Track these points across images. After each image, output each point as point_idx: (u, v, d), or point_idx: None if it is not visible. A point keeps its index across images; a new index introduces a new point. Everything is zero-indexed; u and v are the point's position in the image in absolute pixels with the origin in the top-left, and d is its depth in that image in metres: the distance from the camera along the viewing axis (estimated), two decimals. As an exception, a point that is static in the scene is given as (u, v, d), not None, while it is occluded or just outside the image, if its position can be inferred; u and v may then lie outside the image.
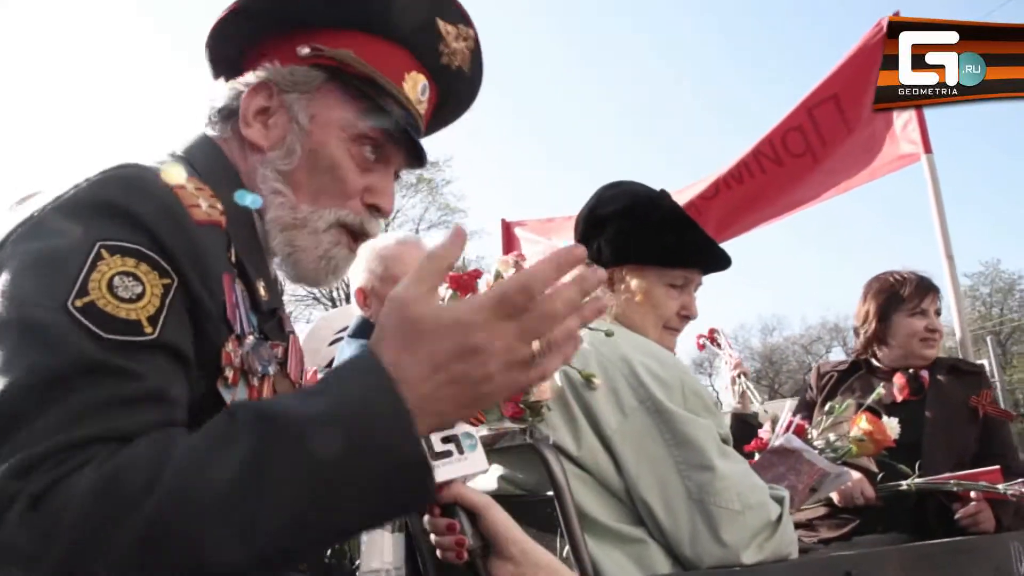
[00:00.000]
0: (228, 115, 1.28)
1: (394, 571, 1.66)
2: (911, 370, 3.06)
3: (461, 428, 1.20)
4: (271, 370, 1.16)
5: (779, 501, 1.77)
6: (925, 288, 3.13)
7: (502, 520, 1.21)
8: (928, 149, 3.86)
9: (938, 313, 3.15)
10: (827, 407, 2.59)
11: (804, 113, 4.42)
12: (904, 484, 2.68)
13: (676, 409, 1.74)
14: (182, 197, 1.05)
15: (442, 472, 1.15)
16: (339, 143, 1.25)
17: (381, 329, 0.89)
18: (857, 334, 3.24)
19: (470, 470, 1.19)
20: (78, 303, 0.90)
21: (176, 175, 1.08)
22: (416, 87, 1.31)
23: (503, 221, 7.14)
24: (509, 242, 7.02)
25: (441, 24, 1.30)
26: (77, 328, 0.89)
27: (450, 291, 1.80)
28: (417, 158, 1.34)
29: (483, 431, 1.71)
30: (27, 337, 0.89)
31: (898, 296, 3.12)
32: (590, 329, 1.86)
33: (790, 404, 3.33)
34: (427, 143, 1.37)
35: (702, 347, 4.46)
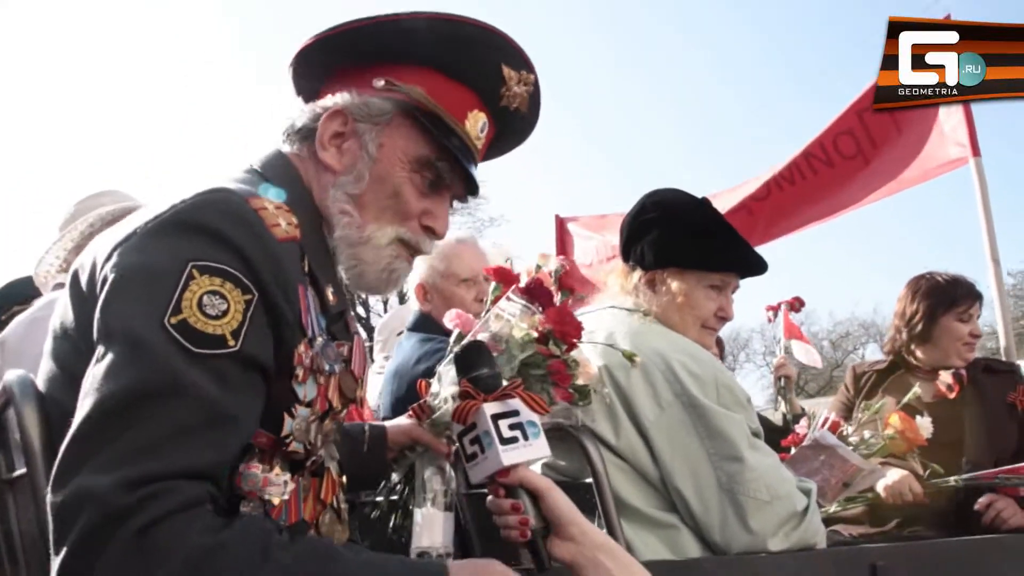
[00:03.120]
0: (306, 135, 1.42)
1: (443, 550, 1.74)
2: (954, 369, 3.09)
3: (526, 416, 1.31)
4: (336, 368, 1.31)
5: (806, 493, 1.88)
6: (975, 295, 3.16)
7: (563, 502, 1.29)
8: (976, 152, 3.85)
9: (977, 318, 3.19)
10: (863, 406, 2.66)
11: (854, 117, 4.45)
12: (952, 480, 2.71)
13: (709, 404, 1.85)
14: (265, 218, 1.20)
15: (509, 456, 1.26)
16: (402, 172, 1.38)
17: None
18: (898, 331, 3.25)
19: (534, 455, 1.30)
20: (173, 320, 1.07)
21: (260, 199, 1.23)
22: (477, 125, 1.43)
23: (556, 217, 7.23)
24: (562, 238, 7.11)
25: (505, 70, 1.42)
26: (171, 343, 1.06)
27: (493, 283, 1.93)
28: (471, 188, 1.48)
29: None
30: (130, 349, 1.06)
31: (949, 299, 3.13)
32: (614, 348, 1.96)
33: (830, 402, 3.39)
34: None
35: (771, 319, 4.53)
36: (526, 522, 1.27)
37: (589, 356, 1.92)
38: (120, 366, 1.05)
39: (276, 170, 1.39)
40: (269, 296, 1.16)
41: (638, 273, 2.13)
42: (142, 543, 0.96)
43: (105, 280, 1.13)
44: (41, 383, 1.27)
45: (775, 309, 4.49)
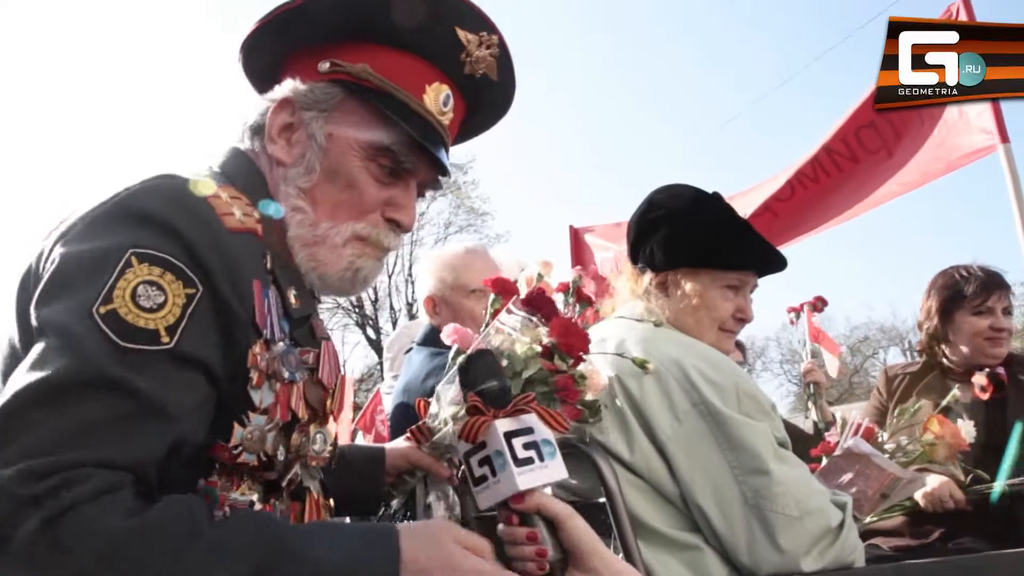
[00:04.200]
0: (257, 130, 1.33)
1: None
2: (988, 368, 2.92)
3: (541, 434, 1.16)
4: (298, 377, 1.19)
5: (841, 507, 1.72)
6: (992, 285, 2.98)
7: (584, 531, 1.15)
8: (1005, 139, 3.72)
9: (1008, 312, 2.98)
10: (897, 411, 2.50)
11: (874, 109, 4.33)
12: (996, 486, 2.54)
13: (730, 413, 1.71)
14: (216, 206, 1.11)
15: (525, 480, 1.12)
16: (355, 160, 1.27)
17: (419, 539, 1.05)
18: (923, 331, 3.12)
19: (551, 478, 1.15)
20: (101, 310, 0.98)
21: (208, 186, 1.13)
22: (438, 98, 1.31)
23: (571, 228, 7.15)
24: (578, 248, 7.01)
25: (461, 33, 1.30)
26: (97, 334, 0.97)
27: (493, 295, 1.81)
28: (440, 171, 1.35)
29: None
30: (54, 341, 0.97)
31: (961, 293, 2.98)
32: (624, 356, 1.83)
33: (860, 408, 3.23)
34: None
35: (794, 321, 4.38)
36: (544, 553, 1.13)
37: (598, 366, 1.78)
38: (42, 361, 0.96)
39: (235, 166, 1.29)
40: (218, 292, 1.07)
41: (648, 275, 2.00)
42: (49, 536, 0.87)
43: (44, 275, 1.05)
44: None
45: (797, 311, 4.33)
